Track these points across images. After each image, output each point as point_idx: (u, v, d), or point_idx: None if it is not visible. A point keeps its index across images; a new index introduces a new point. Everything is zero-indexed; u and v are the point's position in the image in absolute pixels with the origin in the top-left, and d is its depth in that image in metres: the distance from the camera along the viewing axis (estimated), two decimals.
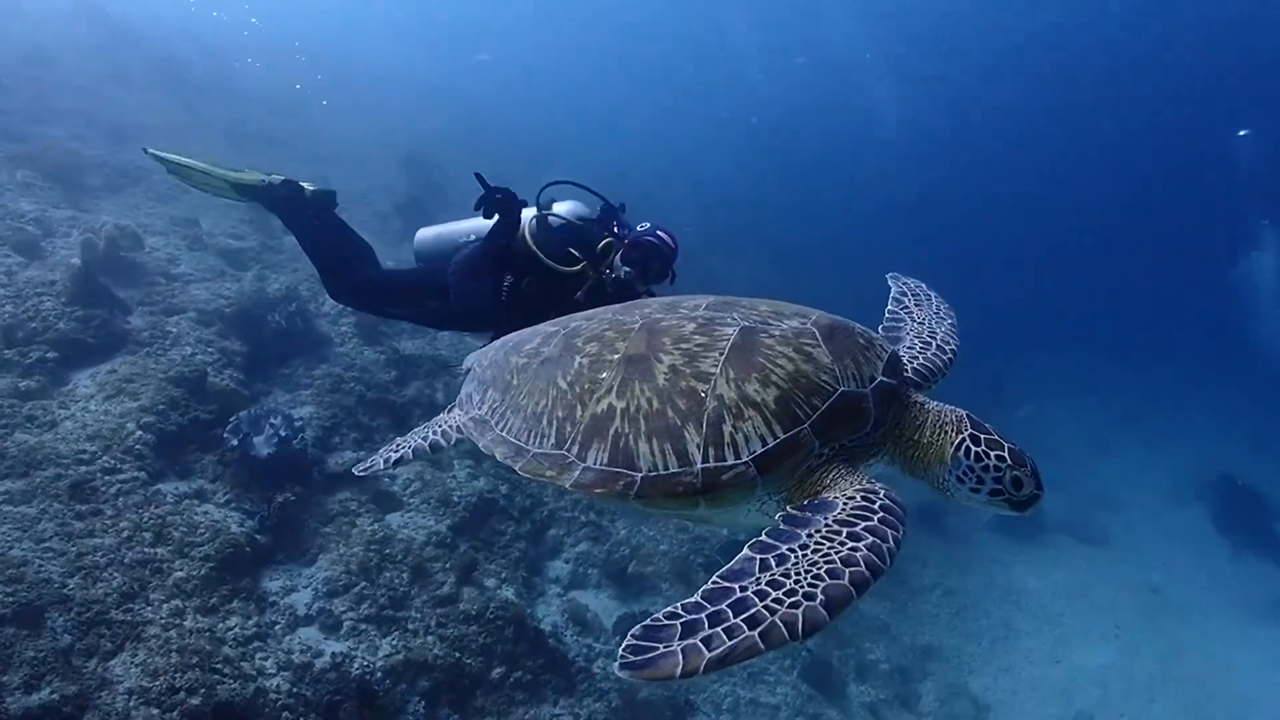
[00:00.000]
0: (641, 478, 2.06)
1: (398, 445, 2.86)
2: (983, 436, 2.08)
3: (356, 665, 4.65)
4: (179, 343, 6.16)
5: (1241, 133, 25.59)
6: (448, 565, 5.53)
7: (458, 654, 5.05)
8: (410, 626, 5.05)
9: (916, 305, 2.93)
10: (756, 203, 26.11)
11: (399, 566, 5.34)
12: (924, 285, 3.07)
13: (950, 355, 2.67)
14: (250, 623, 4.52)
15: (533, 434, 2.30)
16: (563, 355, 2.38)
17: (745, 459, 2.00)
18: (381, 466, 2.82)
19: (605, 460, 2.12)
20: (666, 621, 1.56)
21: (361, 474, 2.84)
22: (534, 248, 3.89)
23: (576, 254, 3.89)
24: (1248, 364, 19.55)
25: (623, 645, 1.50)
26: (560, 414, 2.25)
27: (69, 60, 12.03)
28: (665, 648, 1.48)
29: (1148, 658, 8.93)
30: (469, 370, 2.83)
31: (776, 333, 2.17)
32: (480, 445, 2.46)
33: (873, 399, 2.10)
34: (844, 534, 1.81)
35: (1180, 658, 8.99)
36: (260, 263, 7.98)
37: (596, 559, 6.68)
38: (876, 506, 1.90)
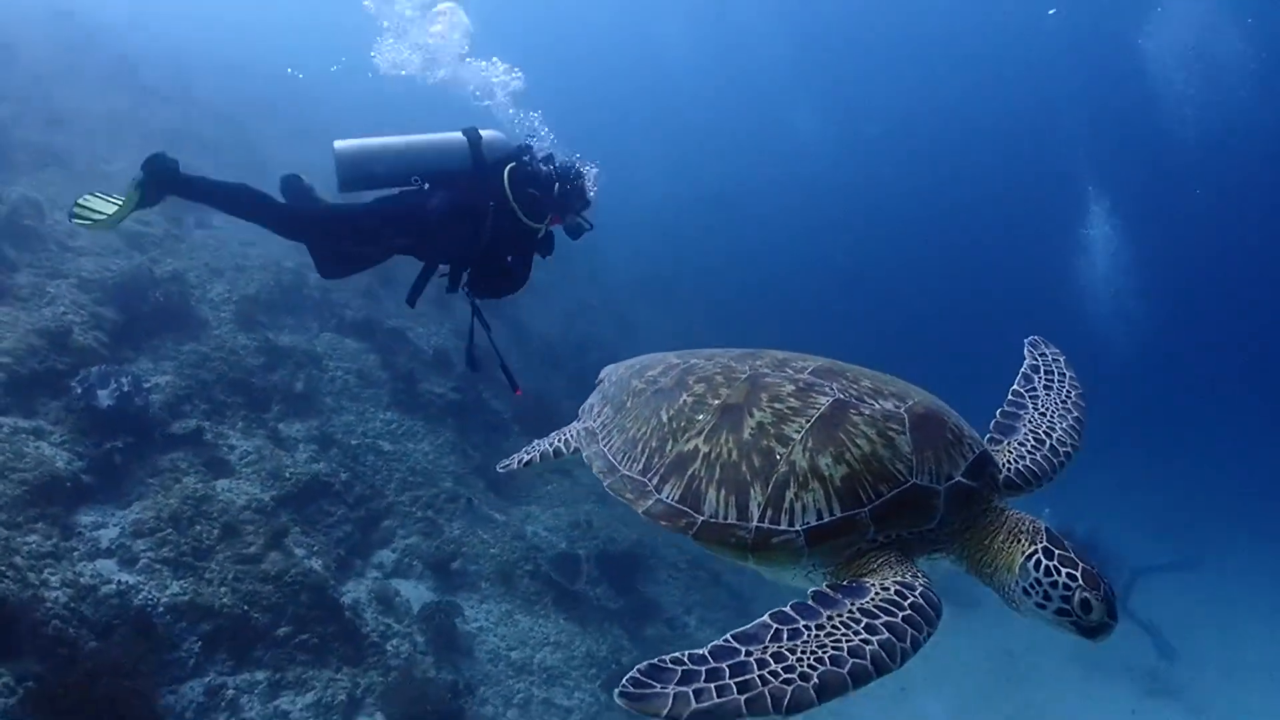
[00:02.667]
0: (703, 522, 2.29)
1: (532, 448, 3.30)
2: (1057, 551, 2.12)
3: (141, 597, 5.35)
4: (54, 302, 6.98)
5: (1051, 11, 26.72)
6: (260, 530, 6.24)
7: (246, 607, 5.73)
8: (206, 576, 5.75)
9: (1045, 388, 2.90)
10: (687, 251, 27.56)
11: (211, 523, 6.06)
12: (1063, 358, 3.02)
13: (1064, 458, 2.66)
14: (49, 543, 5.26)
15: (627, 456, 2.59)
16: (673, 389, 2.66)
17: (798, 528, 2.17)
18: (515, 466, 3.32)
19: (677, 497, 2.36)
20: (670, 665, 1.78)
21: (501, 470, 3.40)
22: (513, 204, 4.65)
23: (540, 202, 4.75)
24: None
25: (627, 677, 1.71)
26: (654, 444, 2.53)
27: (29, 52, 13.07)
28: (661, 688, 1.69)
29: (984, 713, 9.51)
30: (601, 380, 3.23)
31: (867, 411, 2.31)
32: (585, 454, 2.84)
33: (944, 497, 2.21)
34: (863, 624, 1.94)
35: (1019, 716, 9.57)
36: (160, 248, 8.83)
37: (424, 552, 7.37)
38: (906, 604, 2.00)
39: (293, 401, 7.82)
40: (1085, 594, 2.04)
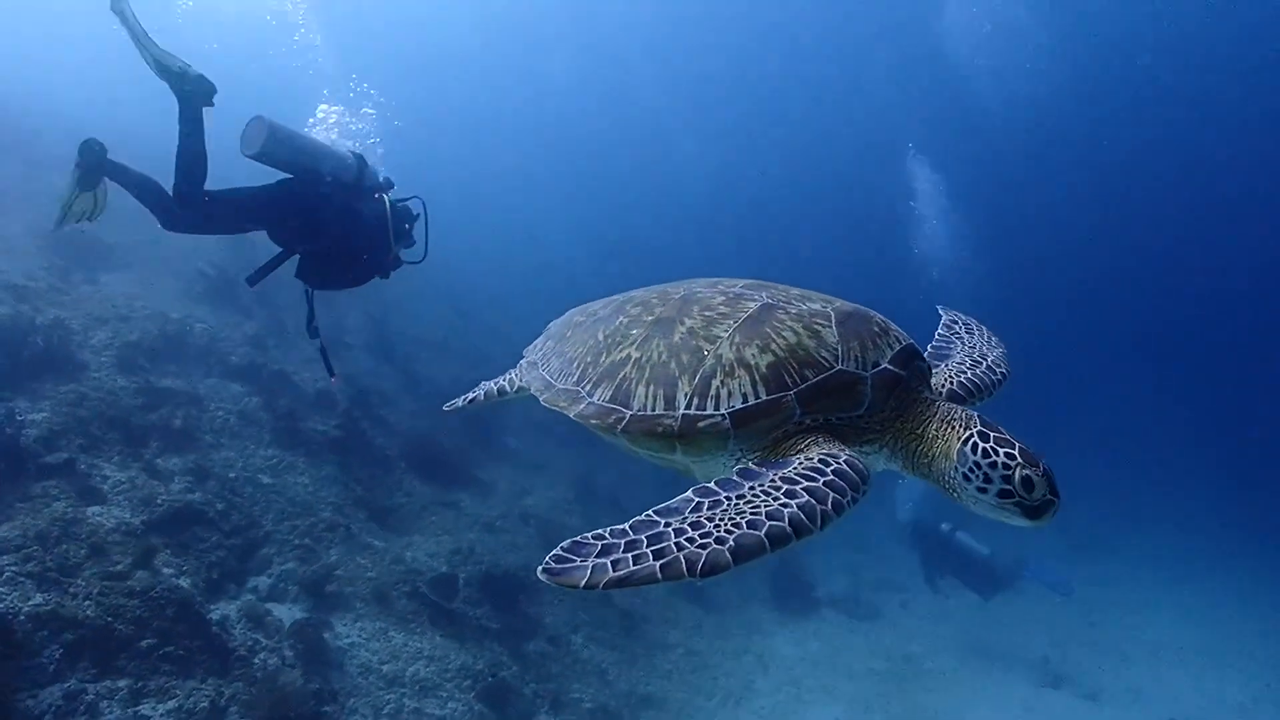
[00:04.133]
0: (630, 415, 2.40)
1: (478, 387, 3.53)
2: (992, 434, 2.19)
3: (2, 606, 5.70)
4: None
5: None
6: (128, 550, 6.62)
7: (110, 619, 6.09)
8: (70, 590, 6.11)
9: (967, 333, 3.16)
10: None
11: (78, 543, 6.44)
12: (975, 320, 3.28)
13: (1000, 376, 2.86)
14: None
15: (562, 374, 2.76)
16: (611, 315, 2.84)
17: (723, 411, 2.27)
18: (460, 404, 3.56)
19: (608, 398, 2.49)
20: (590, 541, 1.88)
21: (446, 409, 3.64)
22: (389, 226, 6.01)
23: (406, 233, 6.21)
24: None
25: (550, 554, 1.83)
26: (589, 360, 2.68)
27: None
28: (580, 562, 1.80)
29: (878, 716, 9.99)
30: (545, 330, 3.38)
31: (794, 310, 2.44)
32: (521, 381, 3.08)
33: (870, 382, 2.30)
34: (783, 489, 2.01)
35: (914, 718, 10.06)
36: (44, 299, 9.26)
37: (299, 576, 7.76)
38: (829, 470, 2.07)
39: (171, 438, 8.24)
40: (1025, 471, 2.08)
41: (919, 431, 2.33)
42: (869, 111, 35.09)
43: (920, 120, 31.81)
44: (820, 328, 2.35)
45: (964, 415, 2.28)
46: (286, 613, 7.39)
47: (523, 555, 9.80)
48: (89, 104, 20.10)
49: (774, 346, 2.30)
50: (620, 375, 2.51)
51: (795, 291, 2.61)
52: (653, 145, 43.11)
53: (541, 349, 3.11)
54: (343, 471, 9.39)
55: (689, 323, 2.48)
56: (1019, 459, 2.10)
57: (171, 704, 6.00)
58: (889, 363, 2.33)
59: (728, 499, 2.00)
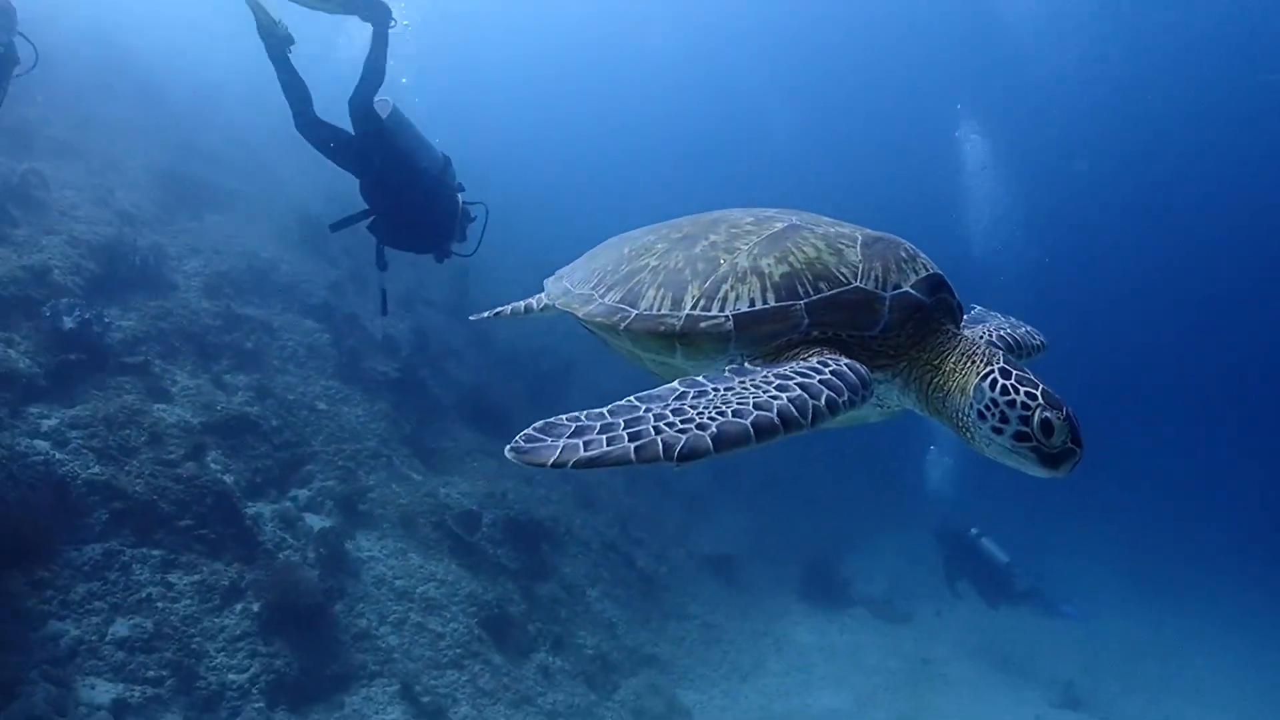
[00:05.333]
0: (636, 314, 2.38)
1: (505, 305, 3.55)
2: (1014, 371, 2.08)
3: (64, 470, 6.64)
4: (43, 250, 8.50)
5: None
6: (183, 444, 7.51)
7: (155, 497, 6.96)
8: (125, 468, 7.01)
9: (1002, 315, 3.07)
10: None
11: (140, 430, 7.35)
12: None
13: (1039, 343, 2.83)
14: None
15: (582, 281, 2.75)
16: (642, 235, 2.84)
17: (727, 313, 2.22)
18: (488, 315, 3.58)
19: (617, 300, 2.49)
20: (563, 422, 1.79)
21: (472, 319, 3.78)
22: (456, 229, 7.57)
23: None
24: None
25: (520, 434, 1.72)
26: (608, 269, 2.67)
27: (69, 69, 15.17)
28: (550, 442, 1.70)
29: (882, 711, 10.13)
30: None
31: (820, 231, 2.38)
32: (545, 292, 3.08)
33: (889, 303, 2.21)
34: (774, 384, 1.92)
35: (918, 718, 10.16)
36: (149, 227, 10.41)
37: (336, 493, 8.53)
38: (827, 370, 1.99)
39: (241, 358, 9.18)
40: (1046, 413, 1.97)
41: (936, 363, 2.23)
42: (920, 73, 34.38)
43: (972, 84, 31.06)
44: (844, 247, 2.29)
45: (986, 351, 2.18)
46: (317, 522, 8.15)
47: (554, 509, 10.38)
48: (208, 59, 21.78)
49: (791, 259, 2.26)
50: (634, 280, 2.51)
51: (828, 219, 2.54)
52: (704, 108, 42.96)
53: (570, 266, 3.11)
54: (395, 410, 10.18)
55: (713, 237, 2.48)
56: (1040, 400, 1.99)
57: (196, 577, 6.81)
58: (911, 287, 2.24)
59: (715, 390, 1.94)
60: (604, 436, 1.72)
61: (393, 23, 6.95)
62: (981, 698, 11.02)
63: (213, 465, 7.61)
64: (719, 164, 42.17)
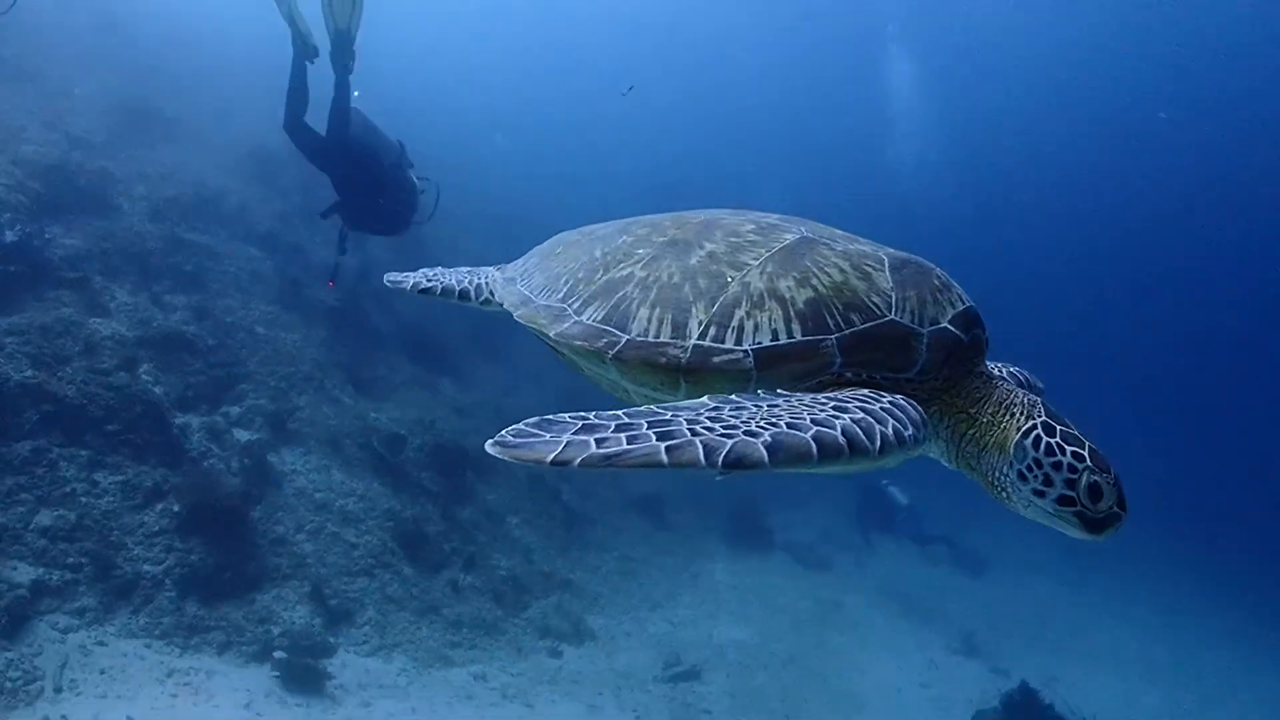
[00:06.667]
0: (626, 339, 2.07)
1: (434, 276, 3.07)
2: (1059, 428, 1.93)
3: None
4: None
5: None
6: (116, 355, 8.02)
7: (85, 402, 7.49)
8: (59, 373, 7.53)
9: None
10: None
11: (75, 341, 7.86)
12: None
13: (1040, 387, 2.64)
14: None
15: (546, 290, 2.43)
16: (612, 233, 2.51)
17: (746, 347, 1.95)
18: (408, 286, 3.07)
19: (600, 318, 2.16)
20: (564, 420, 1.52)
21: (389, 284, 3.17)
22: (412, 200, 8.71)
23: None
24: None
25: (508, 429, 1.48)
26: (580, 275, 2.35)
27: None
28: (550, 437, 1.44)
29: (783, 644, 10.80)
30: (531, 250, 3.00)
31: (839, 248, 2.13)
32: (497, 295, 2.72)
33: (927, 341, 2.00)
34: (831, 404, 1.70)
35: (817, 652, 10.86)
36: (97, 152, 10.85)
37: (267, 411, 9.08)
38: (886, 400, 1.78)
39: (182, 279, 9.69)
40: (1094, 477, 1.84)
41: (971, 412, 2.07)
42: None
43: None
44: (871, 270, 2.06)
45: (1026, 401, 2.03)
46: (244, 436, 8.71)
47: (482, 440, 10.93)
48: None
49: (815, 282, 2.00)
50: (619, 294, 2.19)
51: (840, 232, 2.33)
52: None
53: (523, 266, 2.78)
54: (333, 337, 10.72)
55: (710, 246, 2.19)
56: (1089, 462, 1.86)
57: (120, 478, 7.36)
58: (949, 323, 2.04)
59: (756, 406, 1.68)
60: (622, 435, 1.46)
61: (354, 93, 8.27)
62: (882, 639, 11.73)
63: (144, 377, 8.14)
64: (653, 96, 41.79)
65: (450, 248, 15.56)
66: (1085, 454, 1.87)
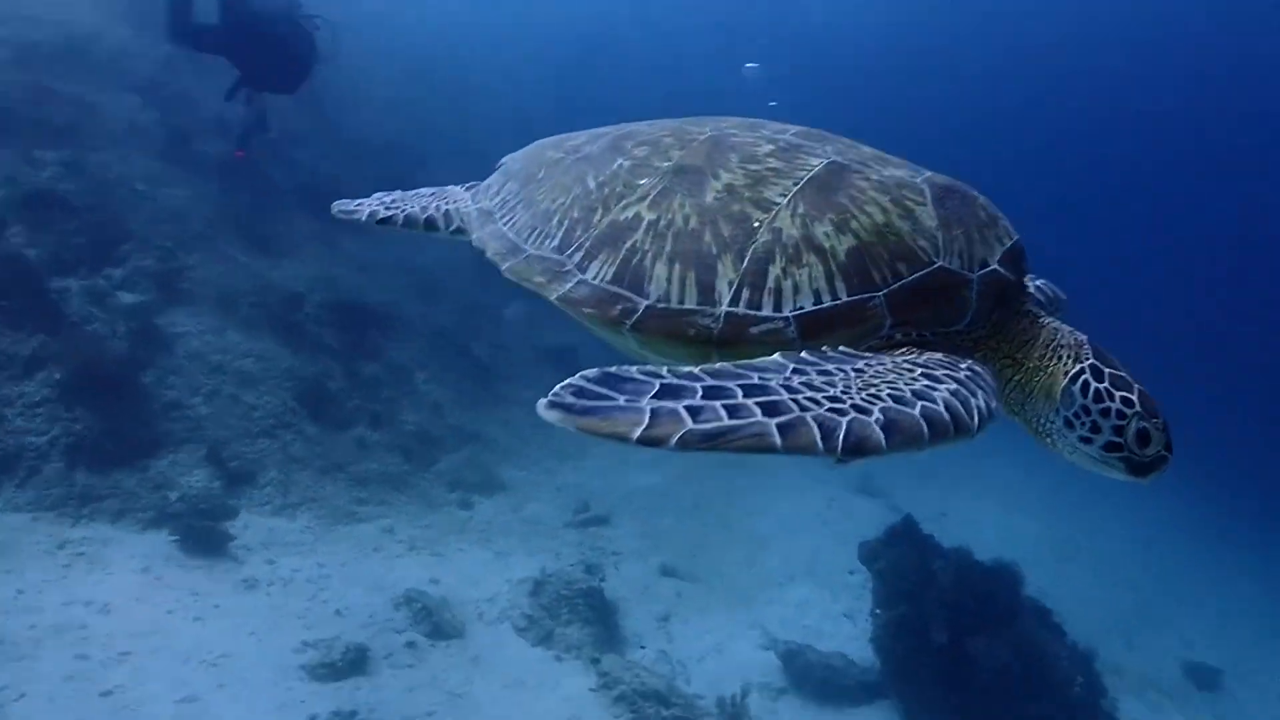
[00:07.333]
0: (646, 306, 1.87)
1: (393, 203, 2.80)
2: (1107, 371, 1.85)
3: None
4: None
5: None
6: None
7: None
8: None
9: None
10: None
11: None
12: None
13: (1064, 298, 2.47)
14: None
15: (536, 233, 2.17)
16: (604, 154, 2.23)
17: (787, 314, 1.77)
18: (363, 216, 2.77)
19: (609, 276, 1.95)
20: (636, 376, 1.30)
21: (339, 214, 2.87)
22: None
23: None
24: None
25: (562, 384, 1.23)
26: (575, 215, 2.10)
27: None
28: (625, 401, 1.21)
29: (690, 488, 11.02)
30: (501, 165, 2.69)
31: (875, 177, 1.92)
32: (474, 238, 2.38)
33: (977, 288, 1.84)
34: (918, 370, 1.56)
35: (722, 494, 11.23)
36: None
37: (153, 272, 8.75)
38: (964, 365, 1.65)
39: (51, 133, 9.16)
40: (1143, 423, 1.78)
41: (1018, 357, 1.94)
42: None
43: None
44: (914, 205, 1.86)
45: (1073, 340, 1.92)
46: (130, 299, 8.47)
47: (390, 296, 10.81)
48: None
49: (855, 225, 1.80)
50: (628, 244, 1.95)
51: (868, 150, 2.11)
52: None
53: (499, 192, 2.46)
54: (223, 193, 10.33)
55: (726, 177, 1.95)
56: (1138, 407, 1.79)
57: None
58: (998, 262, 1.88)
59: (840, 370, 1.50)
60: (718, 404, 1.24)
61: None
62: (785, 480, 12.18)
63: (14, 239, 7.81)
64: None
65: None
66: (1135, 398, 1.80)
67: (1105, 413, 1.80)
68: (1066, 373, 1.86)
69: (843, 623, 8.67)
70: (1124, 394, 1.80)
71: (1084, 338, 1.94)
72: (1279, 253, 30.85)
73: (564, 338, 13.67)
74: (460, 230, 2.56)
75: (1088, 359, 1.87)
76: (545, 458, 10.82)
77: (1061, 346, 1.91)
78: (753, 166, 1.96)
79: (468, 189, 2.72)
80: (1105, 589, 10.85)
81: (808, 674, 7.50)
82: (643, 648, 7.58)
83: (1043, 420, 1.92)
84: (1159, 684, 9.76)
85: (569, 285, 1.99)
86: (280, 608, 6.70)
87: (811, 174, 1.90)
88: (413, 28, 22.06)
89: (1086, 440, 1.83)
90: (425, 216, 2.66)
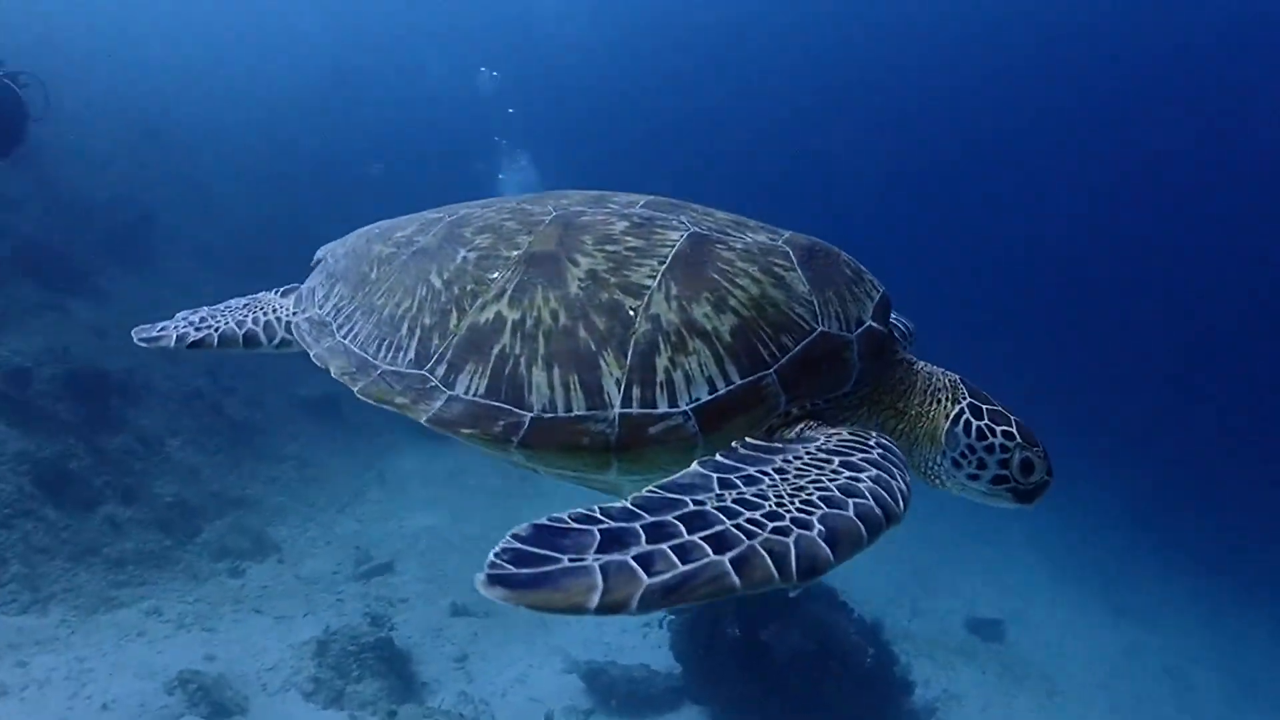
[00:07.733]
0: (531, 419, 1.75)
1: (202, 322, 2.53)
2: (985, 408, 1.90)
3: None
4: None
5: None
6: None
7: None
8: None
9: None
10: None
11: None
12: None
13: (912, 329, 2.49)
14: None
15: (385, 345, 2.00)
16: (443, 246, 2.07)
17: (684, 407, 1.70)
18: (171, 342, 2.49)
19: (482, 389, 1.81)
20: (571, 525, 1.22)
21: (141, 342, 2.57)
22: None
23: None
24: None
25: (496, 551, 1.14)
26: (427, 320, 1.95)
27: None
28: (572, 562, 1.12)
29: (475, 523, 11.12)
30: (318, 262, 2.47)
31: (739, 245, 1.87)
32: (312, 354, 2.18)
33: (858, 348, 1.83)
34: (836, 462, 1.52)
35: (508, 525, 11.28)
36: None
37: None
38: (872, 443, 1.62)
39: None
40: (1025, 453, 1.85)
41: (899, 406, 1.95)
42: None
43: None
44: (783, 271, 1.84)
45: (948, 382, 1.98)
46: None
47: (131, 361, 10.14)
48: None
49: (733, 301, 1.76)
50: (495, 349, 1.83)
51: (722, 215, 2.07)
52: None
53: (328, 296, 2.25)
54: None
55: (585, 262, 1.85)
56: (1018, 438, 1.86)
57: None
58: (871, 318, 1.89)
59: (762, 474, 1.46)
60: (665, 547, 1.17)
61: None
62: (570, 501, 12.42)
63: None
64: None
65: None
66: (1015, 430, 1.88)
67: (989, 449, 1.87)
68: (947, 415, 1.91)
69: (641, 634, 8.93)
70: (1004, 428, 1.88)
71: (956, 377, 2.02)
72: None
73: (323, 387, 13.32)
74: (285, 343, 2.38)
75: (965, 399, 1.93)
76: (317, 512, 10.57)
77: (938, 390, 1.98)
78: (610, 248, 1.87)
79: (283, 293, 2.52)
80: (887, 564, 11.57)
81: (612, 690, 7.74)
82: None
83: (930, 463, 1.97)
84: (946, 643, 10.59)
85: (438, 404, 1.85)
86: (37, 713, 6.23)
87: (675, 250, 1.85)
88: (133, 78, 20.62)
89: (974, 477, 1.90)
90: (244, 333, 2.43)
